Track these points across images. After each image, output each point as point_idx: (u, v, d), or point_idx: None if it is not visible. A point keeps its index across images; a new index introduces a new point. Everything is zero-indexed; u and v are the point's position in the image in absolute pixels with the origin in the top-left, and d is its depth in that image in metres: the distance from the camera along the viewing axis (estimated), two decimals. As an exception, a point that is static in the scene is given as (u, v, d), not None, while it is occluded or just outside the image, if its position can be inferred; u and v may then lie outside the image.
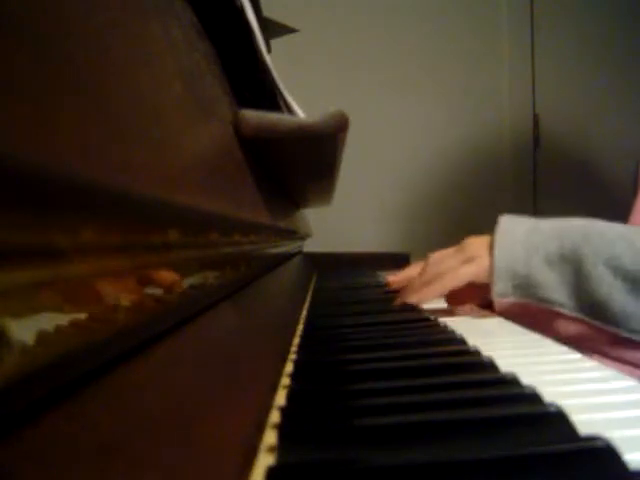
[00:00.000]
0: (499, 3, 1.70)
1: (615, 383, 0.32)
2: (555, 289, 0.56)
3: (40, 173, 0.10)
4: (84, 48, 0.14)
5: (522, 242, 0.58)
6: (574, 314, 0.56)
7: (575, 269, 0.55)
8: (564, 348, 0.43)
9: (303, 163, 0.54)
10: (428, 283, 0.62)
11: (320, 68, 1.62)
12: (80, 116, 0.12)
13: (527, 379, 0.31)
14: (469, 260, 0.60)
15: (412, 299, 0.62)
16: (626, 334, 0.54)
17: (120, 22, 0.18)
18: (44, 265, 0.11)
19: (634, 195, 0.79)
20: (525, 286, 0.58)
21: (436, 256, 0.64)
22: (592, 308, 0.55)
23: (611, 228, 0.56)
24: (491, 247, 0.59)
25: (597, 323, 0.55)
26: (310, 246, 1.29)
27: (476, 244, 0.61)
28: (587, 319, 0.56)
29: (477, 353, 0.38)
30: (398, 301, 0.64)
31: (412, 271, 0.75)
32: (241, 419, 0.23)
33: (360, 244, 1.44)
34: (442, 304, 0.66)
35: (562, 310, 0.57)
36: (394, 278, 0.78)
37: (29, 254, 0.10)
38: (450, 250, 0.64)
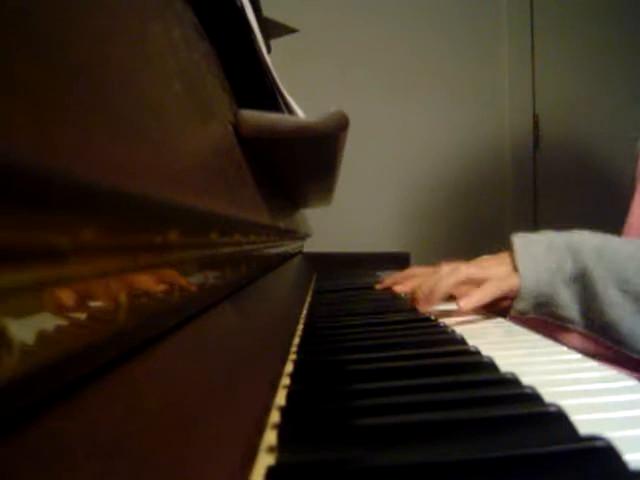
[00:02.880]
0: (499, 4, 1.70)
1: (615, 383, 0.32)
2: (569, 307, 0.58)
3: (40, 173, 0.10)
4: (84, 48, 0.14)
5: (544, 264, 0.59)
6: (585, 331, 0.58)
7: (587, 290, 0.56)
8: (564, 348, 0.43)
9: (303, 163, 0.54)
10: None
11: (320, 68, 1.62)
12: (80, 116, 0.12)
13: (527, 379, 0.31)
14: (489, 276, 0.61)
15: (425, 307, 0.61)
16: (635, 355, 0.55)
17: (120, 22, 0.18)
18: (44, 265, 0.11)
19: (632, 191, 0.79)
20: (545, 305, 0.60)
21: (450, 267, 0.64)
22: (602, 328, 0.57)
23: (624, 246, 0.57)
24: (514, 268, 0.60)
25: (607, 342, 0.56)
26: (310, 246, 1.29)
27: (495, 261, 0.63)
28: (597, 337, 0.57)
29: (477, 353, 0.38)
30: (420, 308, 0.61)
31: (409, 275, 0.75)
32: (241, 419, 0.23)
33: (360, 244, 1.44)
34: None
35: (573, 327, 0.59)
36: (393, 284, 0.78)
37: (29, 254, 0.10)
38: (468, 264, 0.64)
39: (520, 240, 0.62)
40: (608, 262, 0.55)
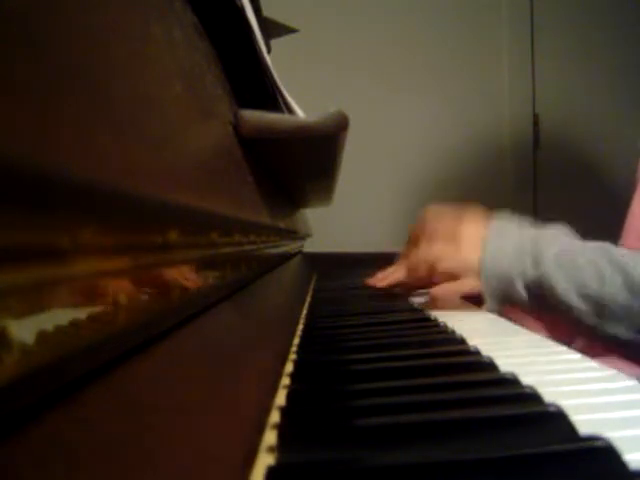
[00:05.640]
0: (499, 3, 1.70)
1: (615, 383, 0.32)
2: (529, 307, 0.62)
3: (41, 173, 0.10)
4: (84, 48, 0.14)
5: (510, 264, 0.62)
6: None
7: (548, 295, 0.59)
8: (563, 348, 0.43)
9: (303, 163, 0.54)
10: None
11: (320, 68, 1.62)
12: (80, 116, 0.12)
13: (527, 379, 0.31)
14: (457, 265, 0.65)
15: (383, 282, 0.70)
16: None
17: (120, 22, 0.18)
18: (44, 265, 0.11)
19: (632, 190, 0.80)
20: (508, 301, 0.64)
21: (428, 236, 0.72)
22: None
23: (584, 253, 0.59)
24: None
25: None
26: (310, 246, 1.29)
27: (470, 242, 0.66)
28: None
29: (477, 353, 0.38)
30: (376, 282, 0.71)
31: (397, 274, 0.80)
32: (241, 419, 0.23)
33: (360, 244, 1.44)
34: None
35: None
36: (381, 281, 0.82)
37: (29, 254, 0.10)
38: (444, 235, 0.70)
39: (494, 231, 0.66)
40: (568, 269, 0.58)
